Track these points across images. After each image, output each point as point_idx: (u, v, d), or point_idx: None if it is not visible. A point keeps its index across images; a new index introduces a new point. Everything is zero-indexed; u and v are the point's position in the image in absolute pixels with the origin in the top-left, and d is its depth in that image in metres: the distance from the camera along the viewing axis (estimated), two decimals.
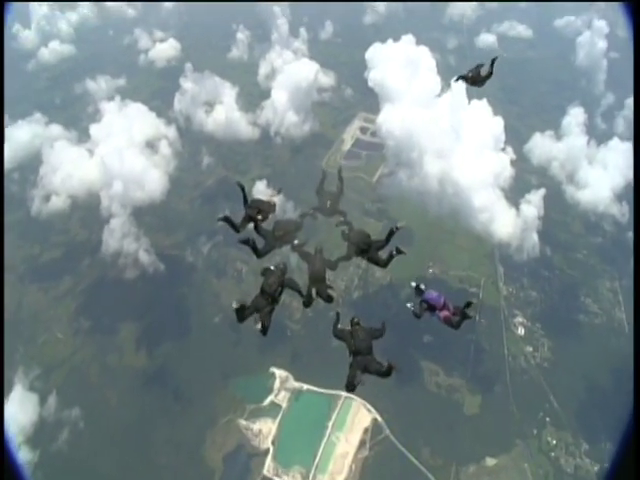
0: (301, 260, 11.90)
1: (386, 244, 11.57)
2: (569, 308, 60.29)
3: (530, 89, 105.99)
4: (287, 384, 53.30)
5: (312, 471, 46.52)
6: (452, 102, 78.91)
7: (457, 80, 15.18)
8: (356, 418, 49.51)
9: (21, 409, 51.56)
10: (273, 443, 48.90)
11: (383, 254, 11.81)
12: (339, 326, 10.71)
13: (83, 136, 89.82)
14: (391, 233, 11.48)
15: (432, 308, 10.59)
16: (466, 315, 10.59)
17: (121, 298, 63.58)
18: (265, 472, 46.92)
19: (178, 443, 49.44)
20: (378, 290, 62.86)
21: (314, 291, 10.72)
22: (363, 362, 9.53)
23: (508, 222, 67.99)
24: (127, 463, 48.42)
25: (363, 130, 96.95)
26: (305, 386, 52.84)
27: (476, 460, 47.04)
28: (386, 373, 9.45)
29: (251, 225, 11.90)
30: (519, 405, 50.82)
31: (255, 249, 11.28)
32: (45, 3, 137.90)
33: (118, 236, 68.49)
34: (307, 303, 10.88)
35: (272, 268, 10.65)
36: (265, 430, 49.73)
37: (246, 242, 11.14)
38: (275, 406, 51.75)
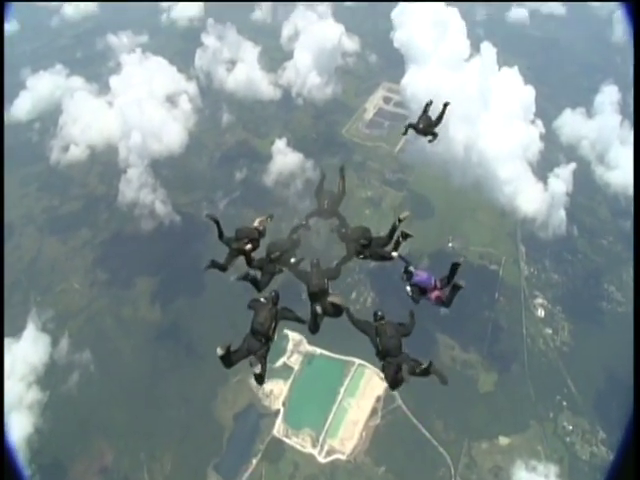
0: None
1: (389, 240, 10.10)
2: (591, 294, 55.82)
3: (560, 69, 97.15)
4: (300, 347, 50.57)
5: (322, 435, 44.39)
6: (481, 67, 72.61)
7: (406, 131, 13.41)
8: (369, 386, 46.78)
9: (33, 348, 50.27)
10: (284, 405, 46.72)
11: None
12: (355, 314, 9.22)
13: (103, 88, 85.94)
14: (394, 228, 9.93)
15: (423, 291, 9.37)
16: (456, 287, 9.10)
17: (137, 252, 61.09)
18: (275, 432, 44.88)
19: (189, 398, 47.46)
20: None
21: (319, 310, 8.95)
22: (395, 363, 8.10)
23: (534, 197, 62.77)
24: (136, 412, 46.75)
25: (386, 100, 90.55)
26: (318, 350, 50.04)
27: (489, 438, 44.32)
28: (423, 373, 7.96)
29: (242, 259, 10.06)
30: (536, 387, 47.57)
31: (256, 283, 9.56)
32: None
33: (135, 186, 65.47)
34: (314, 328, 9.12)
35: (262, 300, 8.91)
36: (276, 391, 47.43)
37: (245, 278, 9.46)
38: (287, 368, 49.20)
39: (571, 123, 78.01)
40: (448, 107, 13.05)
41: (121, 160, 70.53)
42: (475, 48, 74.78)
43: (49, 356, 50.22)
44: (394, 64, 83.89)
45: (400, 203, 66.40)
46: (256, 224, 10.44)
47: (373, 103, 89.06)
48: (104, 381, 48.56)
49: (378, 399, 46.01)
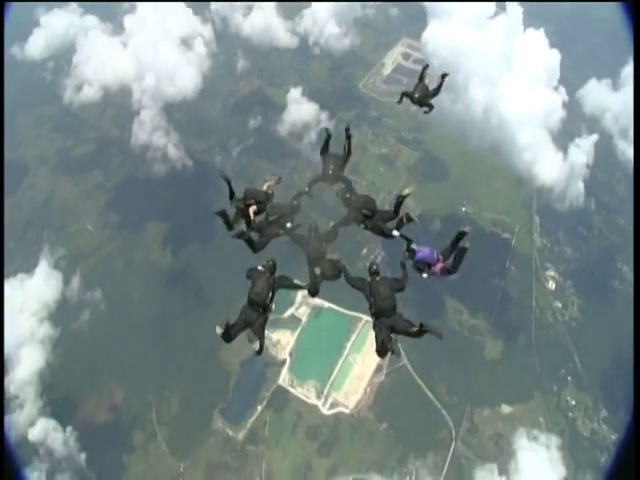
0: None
1: (395, 215, 8.96)
2: (604, 272, 50.38)
3: (587, 39, 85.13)
4: (308, 299, 46.73)
5: (327, 387, 41.96)
6: (506, 27, 64.53)
7: (401, 99, 11.71)
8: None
9: (45, 285, 47.32)
10: (290, 355, 44.06)
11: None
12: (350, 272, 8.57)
13: (118, 29, 77.44)
14: (399, 203, 8.89)
15: (428, 266, 8.56)
16: (462, 250, 8.25)
17: (149, 197, 56.51)
18: (280, 382, 42.47)
19: (197, 343, 44.60)
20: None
21: (317, 271, 8.37)
22: (389, 323, 7.43)
23: (553, 166, 55.97)
24: (145, 354, 44.37)
25: (406, 56, 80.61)
26: (327, 304, 46.14)
27: (491, 405, 41.39)
28: (418, 334, 7.26)
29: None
30: (541, 359, 44.01)
31: (251, 243, 8.67)
32: None
33: (148, 129, 59.76)
34: (313, 291, 8.52)
35: (260, 268, 8.02)
36: (283, 341, 44.51)
37: (241, 236, 8.55)
38: (295, 319, 46.04)
39: (595, 94, 68.89)
40: (447, 79, 11.45)
41: (134, 102, 64.49)
42: (500, 7, 65.82)
43: (61, 293, 47.45)
44: (415, 19, 75.11)
45: (415, 163, 59.97)
46: (265, 188, 9.59)
47: (392, 58, 79.60)
48: (114, 321, 46.02)
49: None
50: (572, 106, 66.27)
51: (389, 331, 7.38)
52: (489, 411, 40.83)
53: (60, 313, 46.25)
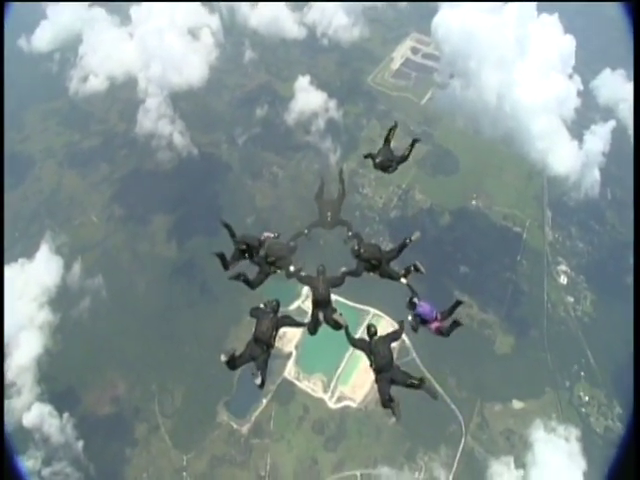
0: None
1: (397, 255, 9.36)
2: (617, 267, 48.54)
3: (601, 34, 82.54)
4: None
5: (333, 381, 41.06)
6: (519, 12, 62.95)
7: (366, 157, 10.93)
8: None
9: (46, 270, 46.78)
10: (296, 348, 43.02)
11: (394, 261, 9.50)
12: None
13: (125, 20, 77.15)
14: (403, 245, 9.29)
15: (424, 321, 8.93)
16: (457, 323, 8.72)
17: (155, 190, 55.93)
18: (286, 375, 41.50)
19: (201, 335, 44.26)
20: (417, 213, 52.55)
21: (321, 316, 8.72)
22: (388, 377, 7.99)
23: (568, 154, 54.18)
24: (148, 345, 43.83)
25: (415, 51, 79.42)
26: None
27: (502, 400, 40.25)
28: (416, 386, 7.77)
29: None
30: (553, 354, 42.71)
31: (248, 282, 8.94)
32: None
33: (153, 117, 59.20)
34: (312, 331, 8.94)
35: (262, 307, 8.51)
36: (289, 334, 43.18)
37: (237, 277, 8.85)
38: (301, 312, 44.59)
39: (610, 84, 66.63)
40: (417, 144, 10.52)
41: (140, 91, 64.07)
42: None
43: (61, 278, 46.91)
44: (424, 13, 74.06)
45: (424, 156, 58.64)
46: (262, 236, 9.54)
47: (400, 53, 78.37)
48: (116, 311, 45.50)
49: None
50: (586, 96, 64.60)
51: (389, 384, 7.82)
52: (500, 406, 39.75)
53: (60, 299, 45.76)
